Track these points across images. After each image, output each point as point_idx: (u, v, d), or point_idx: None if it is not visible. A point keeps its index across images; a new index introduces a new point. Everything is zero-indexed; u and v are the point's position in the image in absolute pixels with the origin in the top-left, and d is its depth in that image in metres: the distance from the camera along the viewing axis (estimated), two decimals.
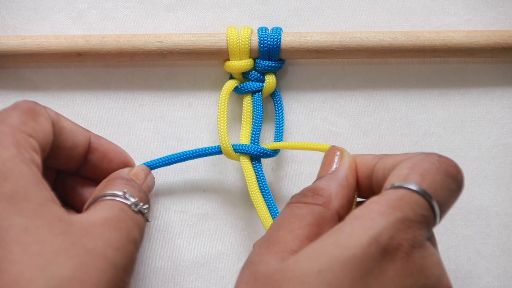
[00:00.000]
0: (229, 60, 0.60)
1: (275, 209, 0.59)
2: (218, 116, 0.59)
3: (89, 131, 0.56)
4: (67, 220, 0.46)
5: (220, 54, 0.60)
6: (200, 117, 0.62)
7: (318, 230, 0.48)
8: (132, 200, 0.51)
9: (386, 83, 0.62)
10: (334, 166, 0.53)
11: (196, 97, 0.62)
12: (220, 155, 0.60)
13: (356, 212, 0.45)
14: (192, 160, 0.61)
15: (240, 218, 0.61)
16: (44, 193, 0.46)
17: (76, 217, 0.47)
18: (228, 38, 0.59)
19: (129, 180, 0.54)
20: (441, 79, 0.62)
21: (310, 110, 0.62)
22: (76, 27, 0.62)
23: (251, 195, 0.59)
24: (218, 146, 0.60)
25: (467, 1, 0.62)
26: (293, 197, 0.51)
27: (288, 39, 0.59)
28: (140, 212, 0.52)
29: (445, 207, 0.47)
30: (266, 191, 0.60)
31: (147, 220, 0.53)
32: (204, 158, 0.61)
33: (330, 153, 0.54)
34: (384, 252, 0.43)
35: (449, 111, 0.62)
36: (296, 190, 0.61)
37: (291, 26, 0.62)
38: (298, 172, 0.62)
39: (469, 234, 0.61)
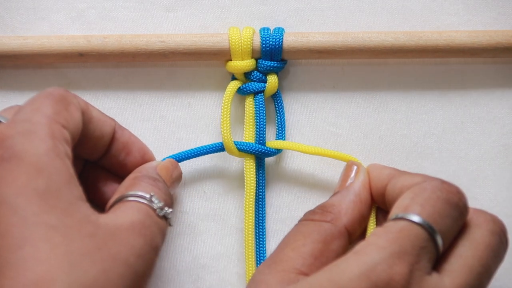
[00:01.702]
0: (231, 60, 0.60)
1: (262, 225, 0.60)
2: (222, 115, 0.59)
3: (114, 120, 0.55)
4: (94, 222, 0.45)
5: (222, 55, 0.59)
6: (200, 117, 0.62)
7: (324, 246, 0.48)
8: (158, 204, 0.50)
9: (386, 84, 0.62)
10: (349, 181, 0.54)
11: (196, 98, 0.62)
12: (221, 156, 0.61)
13: (357, 246, 0.46)
14: (192, 160, 0.61)
15: (241, 219, 0.61)
16: (75, 191, 0.45)
17: (103, 218, 0.46)
18: (230, 39, 0.59)
19: (156, 180, 0.53)
20: (441, 80, 0.62)
21: (310, 110, 0.62)
22: (76, 27, 0.62)
23: (245, 205, 0.60)
24: (221, 143, 0.60)
25: (467, 2, 0.62)
26: (304, 214, 0.52)
27: (290, 39, 0.59)
28: (164, 217, 0.51)
29: (448, 234, 0.47)
30: (262, 200, 0.61)
31: (169, 225, 0.52)
32: (205, 158, 0.61)
33: (347, 167, 0.55)
34: None
35: (449, 112, 0.62)
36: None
37: (290, 26, 0.62)
38: (299, 177, 0.62)
39: None
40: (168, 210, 0.51)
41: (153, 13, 0.62)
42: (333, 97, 0.62)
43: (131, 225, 0.47)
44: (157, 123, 0.62)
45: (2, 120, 0.50)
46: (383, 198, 0.53)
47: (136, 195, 0.50)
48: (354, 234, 0.53)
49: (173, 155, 0.60)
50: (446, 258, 0.47)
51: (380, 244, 0.45)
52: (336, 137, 0.62)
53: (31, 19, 0.62)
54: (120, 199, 0.50)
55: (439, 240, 0.46)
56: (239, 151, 0.60)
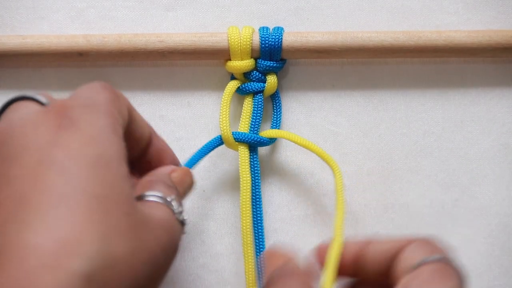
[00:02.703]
0: (230, 60, 0.60)
1: (260, 222, 0.60)
2: (221, 114, 0.59)
3: (150, 126, 0.54)
4: (132, 203, 0.44)
5: (221, 54, 0.59)
6: (199, 116, 0.62)
7: None
8: (179, 209, 0.50)
9: (385, 83, 0.62)
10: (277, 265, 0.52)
11: (195, 97, 0.62)
12: (220, 155, 0.61)
13: (407, 282, 0.45)
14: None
15: (240, 218, 0.61)
16: (122, 167, 0.45)
17: (138, 204, 0.46)
18: (229, 38, 0.59)
19: (170, 187, 0.52)
20: (440, 79, 0.62)
21: (309, 109, 0.62)
22: (75, 26, 0.62)
23: (241, 198, 0.59)
24: (219, 136, 0.60)
25: (466, 0, 0.62)
26: None
27: (289, 39, 0.59)
28: (182, 222, 0.50)
29: None
30: (257, 184, 0.60)
31: (183, 232, 0.51)
32: (204, 158, 0.61)
33: (270, 256, 0.51)
34: None
35: (449, 111, 0.62)
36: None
37: (290, 25, 0.62)
38: (293, 166, 0.62)
39: (469, 234, 0.61)
40: (185, 216, 0.51)
41: (153, 13, 0.62)
42: (332, 96, 0.62)
43: (160, 220, 0.47)
44: (157, 122, 0.62)
45: (42, 100, 0.49)
46: (385, 271, 0.50)
47: (157, 195, 0.49)
48: None
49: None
50: None
51: (438, 281, 0.45)
52: (335, 136, 0.62)
53: (31, 19, 0.62)
54: (140, 198, 0.49)
55: None
56: (235, 141, 0.60)
